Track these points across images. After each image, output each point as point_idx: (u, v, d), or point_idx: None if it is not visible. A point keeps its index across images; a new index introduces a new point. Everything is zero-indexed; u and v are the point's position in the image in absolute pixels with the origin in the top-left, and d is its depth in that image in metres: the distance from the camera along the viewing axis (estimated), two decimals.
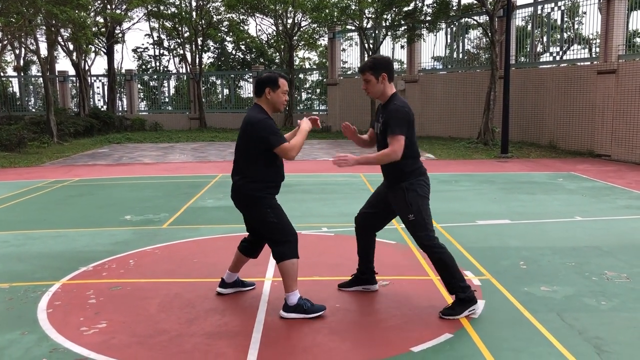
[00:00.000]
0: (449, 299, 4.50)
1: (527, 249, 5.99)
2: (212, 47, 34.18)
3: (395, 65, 24.00)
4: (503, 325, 4.04)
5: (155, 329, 4.06)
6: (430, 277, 5.09)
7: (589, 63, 15.46)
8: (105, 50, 27.34)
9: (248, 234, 4.62)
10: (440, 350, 3.68)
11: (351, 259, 5.67)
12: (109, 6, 25.86)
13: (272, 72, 4.39)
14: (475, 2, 17.25)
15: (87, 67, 26.60)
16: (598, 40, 15.60)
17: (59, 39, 24.07)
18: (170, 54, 33.52)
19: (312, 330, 4.04)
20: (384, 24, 21.55)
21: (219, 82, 30.20)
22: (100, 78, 29.12)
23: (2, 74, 30.14)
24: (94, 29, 24.59)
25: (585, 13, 21.12)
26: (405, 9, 19.83)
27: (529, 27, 19.25)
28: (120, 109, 28.23)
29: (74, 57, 24.92)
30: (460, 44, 21.57)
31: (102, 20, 26.70)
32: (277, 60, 32.27)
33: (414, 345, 3.74)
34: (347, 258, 5.70)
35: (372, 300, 4.60)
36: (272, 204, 4.23)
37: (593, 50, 16.48)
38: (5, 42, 20.38)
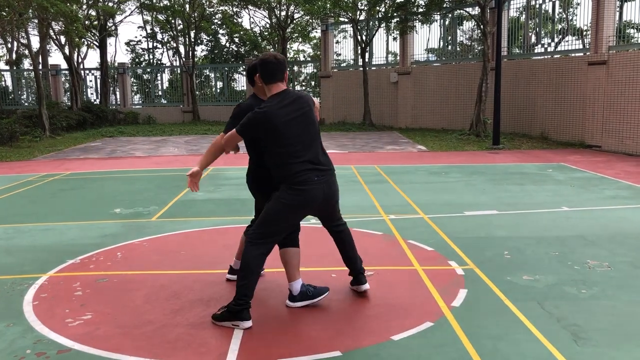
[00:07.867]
0: (433, 289, 4.56)
1: (512, 239, 6.05)
2: (205, 40, 34.09)
3: (389, 58, 24.00)
4: (483, 314, 4.09)
5: (140, 320, 4.10)
6: (414, 267, 5.14)
7: (581, 54, 15.49)
8: (97, 44, 27.24)
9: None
10: (420, 337, 3.73)
11: (337, 250, 5.72)
12: None
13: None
14: None
15: (79, 61, 26.49)
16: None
17: (51, 32, 23.96)
18: (164, 47, 33.44)
19: (294, 320, 4.09)
20: (377, 16, 21.53)
21: (212, 75, 30.13)
22: (93, 71, 29.01)
23: None
24: (86, 22, 24.47)
25: (579, 4, 21.15)
26: (398, 0, 19.81)
27: (523, 19, 19.24)
28: (113, 103, 28.15)
29: (66, 51, 24.82)
30: (454, 36, 21.56)
31: (94, 13, 26.58)
32: None
33: (395, 333, 3.79)
34: (334, 249, 5.74)
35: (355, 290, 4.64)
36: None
37: (586, 41, 16.50)
38: None
